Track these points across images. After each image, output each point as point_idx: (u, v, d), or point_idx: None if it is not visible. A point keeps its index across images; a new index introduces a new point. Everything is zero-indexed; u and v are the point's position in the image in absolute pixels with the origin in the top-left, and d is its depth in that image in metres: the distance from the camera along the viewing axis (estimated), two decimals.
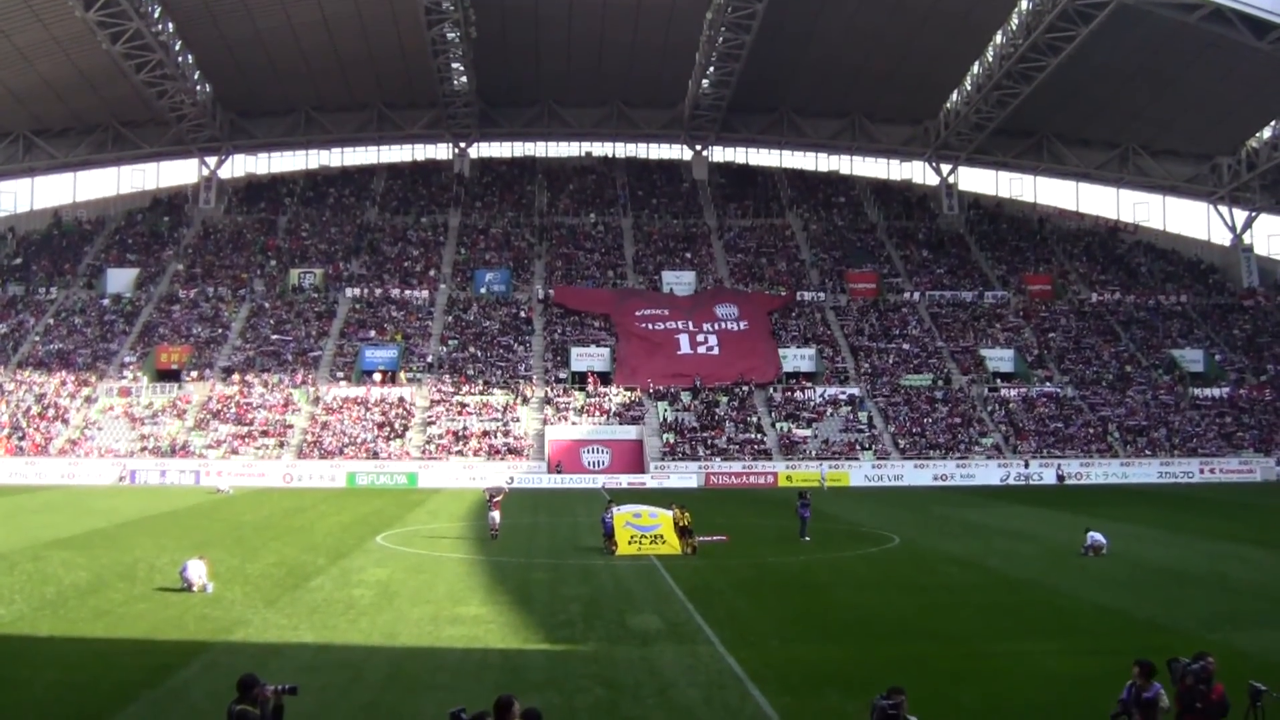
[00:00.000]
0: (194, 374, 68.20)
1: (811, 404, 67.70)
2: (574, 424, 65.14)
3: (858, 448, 63.82)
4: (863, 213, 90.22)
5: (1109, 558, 29.43)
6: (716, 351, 71.69)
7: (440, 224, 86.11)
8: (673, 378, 69.00)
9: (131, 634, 18.74)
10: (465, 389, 67.54)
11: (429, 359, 70.49)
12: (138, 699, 14.65)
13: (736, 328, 73.61)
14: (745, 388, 68.71)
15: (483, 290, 78.11)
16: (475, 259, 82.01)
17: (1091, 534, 29.57)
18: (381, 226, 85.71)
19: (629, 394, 67.81)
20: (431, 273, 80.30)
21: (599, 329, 74.35)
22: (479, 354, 71.46)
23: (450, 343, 72.44)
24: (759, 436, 64.44)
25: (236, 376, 68.01)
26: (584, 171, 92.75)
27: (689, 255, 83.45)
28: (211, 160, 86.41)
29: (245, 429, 63.37)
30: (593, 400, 66.99)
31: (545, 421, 65.03)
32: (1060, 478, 61.37)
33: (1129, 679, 11.70)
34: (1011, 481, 61.27)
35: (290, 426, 64.02)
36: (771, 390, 69.05)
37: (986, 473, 62.05)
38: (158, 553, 28.67)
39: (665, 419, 65.72)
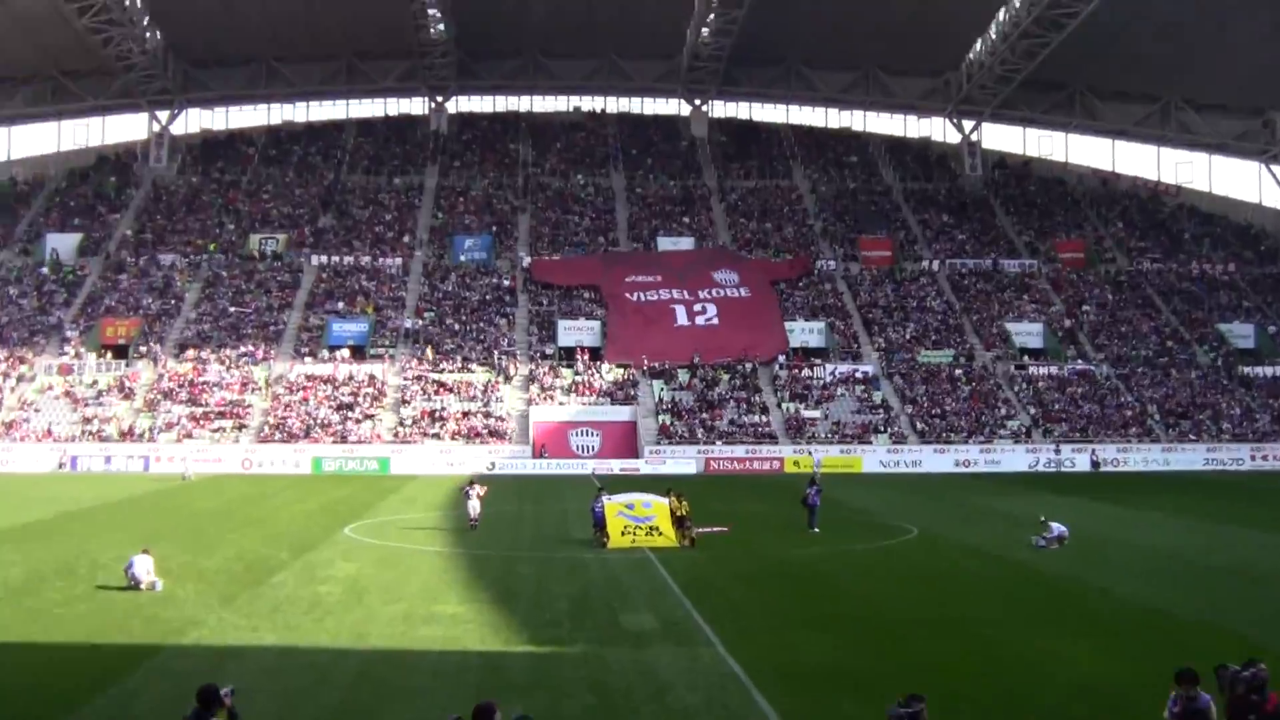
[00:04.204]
0: (143, 350, 67.96)
1: (821, 383, 67.68)
2: (561, 404, 65.08)
3: (871, 430, 63.86)
4: (877, 173, 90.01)
5: (1149, 552, 29.39)
6: (716, 323, 71.81)
7: (415, 185, 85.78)
8: (669, 353, 69.02)
9: (70, 638, 18.57)
10: (442, 366, 67.43)
11: (403, 332, 70.37)
12: (75, 712, 14.42)
13: (737, 295, 73.76)
14: (748, 365, 68.69)
15: (462, 258, 77.96)
16: (454, 223, 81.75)
17: (1055, 525, 29.46)
18: (351, 188, 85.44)
19: (621, 371, 67.77)
20: (406, 238, 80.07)
21: (589, 300, 74.32)
22: (457, 327, 71.40)
23: (426, 315, 72.37)
24: (763, 418, 64.45)
25: (191, 352, 67.77)
26: (573, 128, 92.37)
27: (687, 219, 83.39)
28: (163, 114, 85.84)
29: (200, 410, 63.20)
30: (582, 378, 66.93)
31: (530, 401, 64.98)
32: (1095, 464, 61.51)
33: (1171, 688, 11.47)
34: (1041, 468, 61.47)
35: (250, 407, 63.88)
36: (777, 367, 69.03)
37: (1013, 458, 62.14)
38: (101, 547, 28.50)
39: (661, 399, 65.73)
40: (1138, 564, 27.26)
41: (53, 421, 62.12)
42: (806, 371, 68.76)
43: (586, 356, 69.04)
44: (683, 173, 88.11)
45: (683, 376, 67.90)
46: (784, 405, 65.78)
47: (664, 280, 74.48)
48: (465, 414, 63.69)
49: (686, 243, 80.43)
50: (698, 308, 72.90)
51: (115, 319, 70.31)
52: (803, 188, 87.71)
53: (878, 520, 36.73)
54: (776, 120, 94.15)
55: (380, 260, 77.33)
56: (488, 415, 63.76)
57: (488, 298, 74.70)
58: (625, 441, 63.39)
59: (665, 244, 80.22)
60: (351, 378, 66.33)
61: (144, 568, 22.68)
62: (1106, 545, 30.58)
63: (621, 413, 64.87)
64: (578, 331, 71.34)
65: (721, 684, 15.81)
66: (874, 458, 61.85)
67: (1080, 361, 70.94)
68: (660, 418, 64.22)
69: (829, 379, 67.99)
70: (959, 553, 29.23)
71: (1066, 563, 27.02)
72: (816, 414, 65.11)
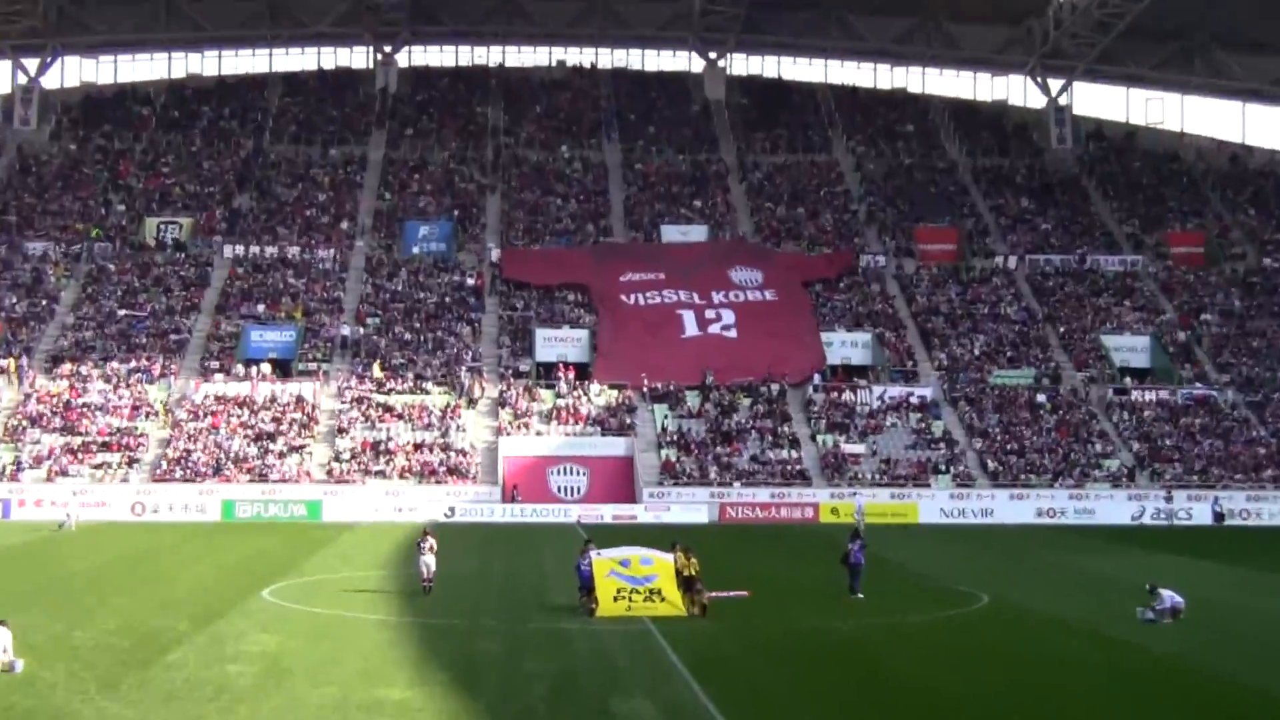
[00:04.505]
0: (4, 364, 67.53)
1: (866, 409, 67.74)
2: (539, 434, 65.21)
3: (930, 470, 63.84)
4: (939, 146, 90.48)
5: None
6: (734, 334, 72.20)
7: (356, 158, 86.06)
8: (675, 371, 69.02)
9: None
10: (389, 386, 67.38)
11: (340, 343, 70.47)
12: None
13: (761, 298, 74.08)
14: (775, 386, 68.70)
15: (415, 249, 78.20)
16: (405, 206, 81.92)
17: (1167, 593, 29.24)
18: (275, 160, 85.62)
19: (615, 394, 67.88)
20: (344, 225, 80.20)
21: (574, 304, 74.52)
22: (409, 337, 71.48)
23: (369, 321, 72.42)
24: (793, 454, 64.50)
25: (67, 367, 67.52)
26: (556, 87, 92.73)
27: (698, 203, 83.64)
28: (31, 63, 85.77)
29: (79, 441, 62.93)
30: (565, 402, 66.94)
31: (499, 431, 65.02)
32: (1218, 515, 61.19)
33: None
34: (1148, 520, 61.50)
35: (143, 437, 63.67)
36: (811, 390, 69.08)
37: (1112, 507, 62.16)
38: None
39: (664, 428, 65.78)
40: (1276, 644, 27.06)
41: None
42: (848, 395, 68.79)
43: (571, 375, 68.96)
44: (693, 144, 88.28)
45: (692, 400, 67.83)
46: (819, 438, 65.73)
47: (669, 279, 74.61)
48: (418, 446, 63.57)
49: (698, 232, 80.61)
50: (711, 314, 73.03)
51: None
52: (844, 164, 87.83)
53: (938, 584, 36.70)
54: (812, 79, 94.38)
55: (312, 252, 77.39)
56: (446, 448, 63.65)
57: (447, 300, 74.70)
58: (619, 482, 63.36)
59: (671, 234, 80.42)
60: (274, 400, 66.16)
61: (0, 644, 22.41)
62: (1234, 619, 30.37)
63: (615, 446, 64.86)
64: (560, 343, 71.40)
65: None
66: (933, 505, 61.89)
67: (1199, 385, 70.80)
68: (664, 452, 64.14)
69: (876, 405, 67.95)
70: (1042, 627, 29.09)
71: (1182, 641, 26.83)
72: (860, 449, 65.07)
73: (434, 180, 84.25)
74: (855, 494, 60.24)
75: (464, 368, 69.14)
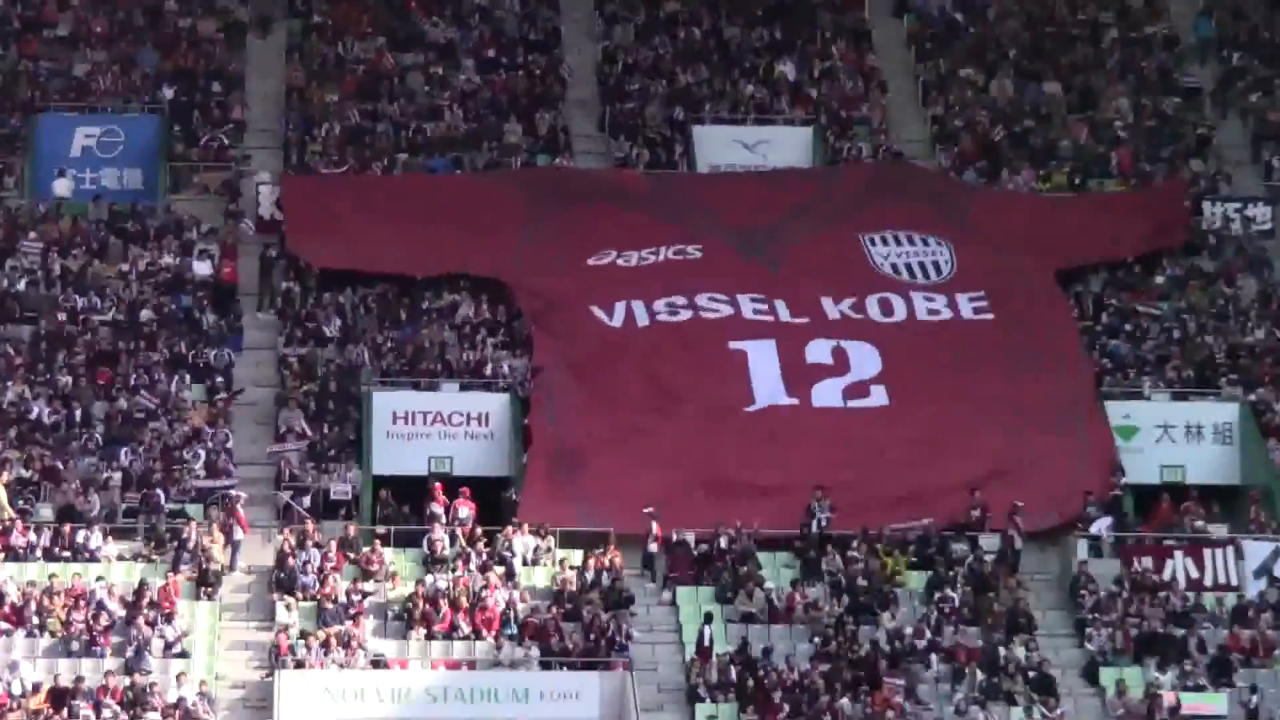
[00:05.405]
0: None
1: (1231, 601, 65.40)
2: (378, 664, 61.98)
3: None
4: None
5: None
6: (883, 400, 72.72)
7: None
8: (729, 500, 67.82)
9: None
10: (12, 540, 64.01)
11: None
12: None
13: (949, 314, 77.55)
14: (990, 539, 66.12)
15: (61, 189, 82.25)
16: (43, 85, 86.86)
17: None
18: None
19: (574, 556, 66.61)
20: None
21: (475, 325, 75.82)
22: (49, 413, 70.09)
23: None
24: (1042, 713, 59.00)
25: None
26: None
27: (788, 71, 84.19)
28: None
29: None
30: (446, 580, 62.15)
31: (278, 655, 59.81)
32: None
33: None
34: None
35: None
36: (1084, 550, 65.78)
37: None
38: None
39: (706, 645, 64.11)
40: None
41: None
42: (1181, 563, 65.45)
43: (464, 509, 67.92)
44: None
45: (776, 576, 65.50)
46: (1109, 672, 62.30)
47: (711, 259, 76.75)
48: (64, 697, 58.12)
49: (787, 146, 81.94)
50: (820, 351, 74.47)
51: None
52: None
53: None
54: None
55: None
56: (140, 700, 59.15)
57: (146, 317, 70.13)
58: None
59: (720, 147, 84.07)
60: None
61: None
62: None
63: (580, 695, 60.55)
64: (438, 429, 70.61)
65: None
66: None
67: None
68: (703, 710, 60.24)
69: (1255, 589, 66.41)
70: None
71: None
72: (1215, 702, 59.44)
73: (112, 11, 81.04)
74: None
75: (187, 490, 63.40)
